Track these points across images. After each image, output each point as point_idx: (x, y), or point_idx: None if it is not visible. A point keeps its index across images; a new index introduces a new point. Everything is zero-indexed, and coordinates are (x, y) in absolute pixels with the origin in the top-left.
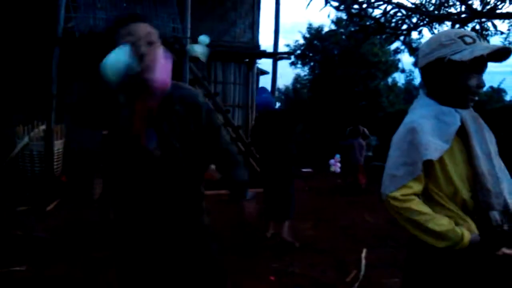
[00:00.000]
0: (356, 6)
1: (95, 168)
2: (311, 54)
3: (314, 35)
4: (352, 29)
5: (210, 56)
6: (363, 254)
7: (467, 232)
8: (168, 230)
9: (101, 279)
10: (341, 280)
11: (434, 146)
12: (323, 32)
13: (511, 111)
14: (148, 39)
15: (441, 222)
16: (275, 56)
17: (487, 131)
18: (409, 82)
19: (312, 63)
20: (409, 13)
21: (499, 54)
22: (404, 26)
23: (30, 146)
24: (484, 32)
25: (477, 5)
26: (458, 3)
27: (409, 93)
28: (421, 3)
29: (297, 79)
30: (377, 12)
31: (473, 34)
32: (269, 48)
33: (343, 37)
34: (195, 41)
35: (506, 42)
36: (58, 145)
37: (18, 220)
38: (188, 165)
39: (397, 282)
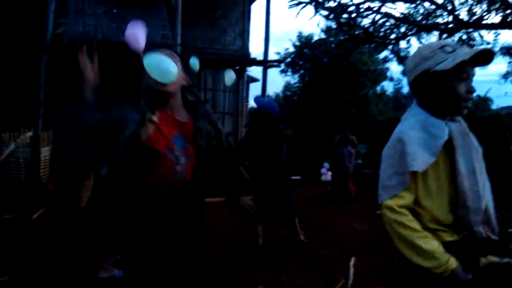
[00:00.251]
0: (345, 16)
1: (83, 175)
2: (301, 62)
3: (304, 43)
4: (342, 38)
5: (201, 63)
6: (352, 262)
7: (454, 260)
8: (179, 228)
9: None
10: None
11: (421, 158)
12: (313, 40)
13: (497, 119)
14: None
15: (431, 242)
16: (265, 64)
17: (474, 146)
18: (397, 90)
19: (302, 71)
20: (398, 22)
21: (483, 58)
22: (393, 36)
23: (16, 153)
24: (470, 42)
25: (464, 15)
26: (445, 13)
27: (397, 101)
28: (409, 13)
29: (287, 86)
30: (366, 22)
31: (453, 43)
32: (260, 56)
33: (333, 45)
34: (185, 48)
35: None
36: (44, 152)
37: (2, 228)
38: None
39: None
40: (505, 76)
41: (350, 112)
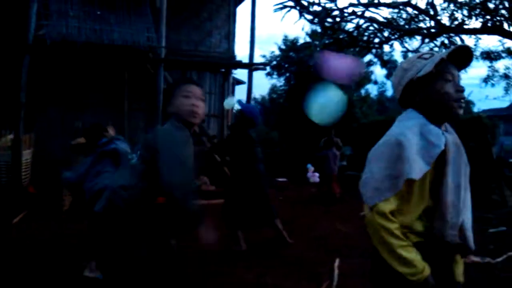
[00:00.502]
0: (329, 20)
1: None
2: (286, 65)
3: (290, 46)
4: (327, 41)
5: (186, 65)
6: (336, 264)
7: (428, 268)
8: None
9: None
10: None
11: (419, 166)
12: (298, 44)
13: (478, 122)
14: (202, 98)
15: (411, 250)
16: (251, 66)
17: (464, 161)
18: (381, 93)
19: (287, 74)
20: (381, 27)
21: (464, 59)
22: (376, 40)
23: None
24: (452, 46)
25: (445, 20)
26: (427, 18)
27: (381, 104)
28: (392, 18)
29: (273, 89)
30: (350, 26)
31: (430, 52)
32: (245, 59)
33: (318, 49)
34: (170, 50)
35: (473, 56)
36: (26, 155)
37: None
38: None
39: None
40: (486, 80)
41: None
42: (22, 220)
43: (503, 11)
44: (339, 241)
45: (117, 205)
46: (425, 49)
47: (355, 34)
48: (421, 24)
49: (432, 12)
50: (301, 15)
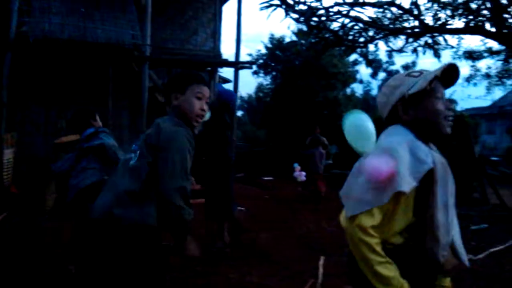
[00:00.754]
0: (315, 19)
1: (48, 178)
2: (273, 64)
3: (276, 45)
4: (313, 40)
5: (171, 64)
6: (321, 262)
7: (407, 285)
8: None
9: None
10: None
11: (408, 180)
12: (285, 42)
13: (461, 121)
14: (208, 100)
15: (390, 267)
16: (237, 65)
17: (451, 180)
18: (366, 92)
19: (274, 73)
20: (366, 26)
21: (450, 78)
22: (361, 39)
23: None
24: (435, 46)
25: (429, 20)
26: (411, 18)
27: (366, 103)
28: (377, 17)
29: (260, 88)
30: (335, 25)
31: (418, 70)
32: (232, 57)
33: (304, 48)
34: (155, 48)
35: (456, 56)
36: (8, 154)
37: None
38: None
39: None
40: (468, 79)
41: (325, 113)
42: (4, 220)
43: (485, 12)
44: (324, 239)
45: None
46: (409, 48)
47: (340, 33)
48: (405, 24)
49: (416, 12)
50: (287, 13)
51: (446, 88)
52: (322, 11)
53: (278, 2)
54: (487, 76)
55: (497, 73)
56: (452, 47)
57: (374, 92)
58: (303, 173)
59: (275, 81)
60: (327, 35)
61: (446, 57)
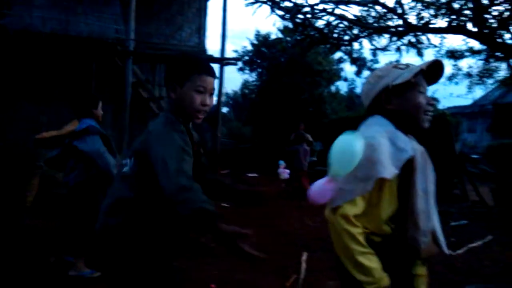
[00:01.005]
0: (300, 16)
1: (30, 171)
2: (258, 61)
3: (262, 42)
4: (298, 37)
5: (155, 59)
6: (303, 258)
7: (387, 278)
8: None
9: None
10: (281, 284)
11: (389, 167)
12: (270, 39)
13: (443, 119)
14: (213, 92)
15: (372, 259)
16: (222, 61)
17: (430, 168)
18: (351, 90)
19: (259, 70)
20: (351, 24)
21: (434, 75)
22: (346, 37)
23: None
24: (419, 45)
25: (413, 19)
26: (395, 17)
27: (351, 100)
28: (361, 16)
29: (245, 84)
30: (320, 23)
31: (405, 63)
32: (217, 53)
33: (289, 45)
34: (138, 43)
35: (439, 55)
36: None
37: None
38: None
39: (336, 284)
40: (450, 78)
41: (310, 110)
42: None
43: (467, 12)
44: (308, 235)
45: (113, 224)
46: (393, 47)
47: (325, 31)
48: (389, 23)
49: (400, 11)
50: (272, 10)
51: (430, 85)
52: (307, 9)
53: None
54: (469, 75)
55: (478, 73)
56: (435, 46)
57: (359, 90)
58: (287, 170)
59: (260, 78)
60: (312, 33)
61: (429, 56)
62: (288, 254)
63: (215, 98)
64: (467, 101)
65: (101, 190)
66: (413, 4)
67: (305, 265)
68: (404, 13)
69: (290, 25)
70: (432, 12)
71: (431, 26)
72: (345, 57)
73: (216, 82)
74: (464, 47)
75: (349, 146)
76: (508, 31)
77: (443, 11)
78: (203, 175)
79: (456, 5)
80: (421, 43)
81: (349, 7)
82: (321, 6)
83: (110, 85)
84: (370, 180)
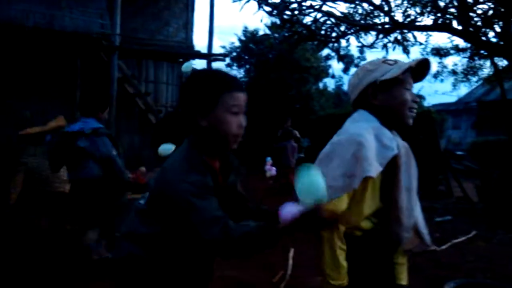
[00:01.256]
0: (288, 13)
1: (14, 168)
2: (246, 57)
3: (250, 38)
4: (286, 34)
5: (141, 54)
6: (290, 254)
7: (347, 283)
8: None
9: None
10: (268, 280)
11: (375, 165)
12: (258, 35)
13: (428, 116)
14: (245, 110)
15: (344, 257)
16: (209, 57)
17: (413, 165)
18: (338, 87)
19: (247, 66)
20: (338, 21)
21: (420, 72)
22: (333, 34)
23: None
24: (405, 42)
25: (399, 17)
26: (382, 14)
27: (338, 97)
28: (349, 13)
29: None
30: (308, 20)
31: (393, 59)
32: (205, 49)
33: (277, 41)
34: (124, 38)
35: (424, 53)
36: None
37: None
38: None
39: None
40: (436, 75)
41: (297, 107)
42: None
43: (452, 10)
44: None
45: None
46: (379, 44)
47: (313, 27)
48: (376, 20)
49: (386, 8)
50: (259, 6)
51: (415, 82)
52: (295, 5)
53: None
54: (453, 72)
55: (463, 70)
56: (421, 43)
57: (346, 87)
58: (274, 168)
59: (248, 74)
60: (300, 29)
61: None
62: (276, 250)
63: None
64: (452, 98)
65: (109, 192)
66: (399, 1)
67: (292, 261)
68: (390, 10)
69: (277, 21)
70: (418, 9)
71: (417, 23)
72: (333, 54)
73: None
74: (450, 45)
75: (313, 180)
76: (492, 30)
77: (429, 8)
78: (241, 207)
79: (441, 3)
80: (407, 40)
81: (336, 4)
82: (308, 3)
83: (96, 80)
84: (357, 178)
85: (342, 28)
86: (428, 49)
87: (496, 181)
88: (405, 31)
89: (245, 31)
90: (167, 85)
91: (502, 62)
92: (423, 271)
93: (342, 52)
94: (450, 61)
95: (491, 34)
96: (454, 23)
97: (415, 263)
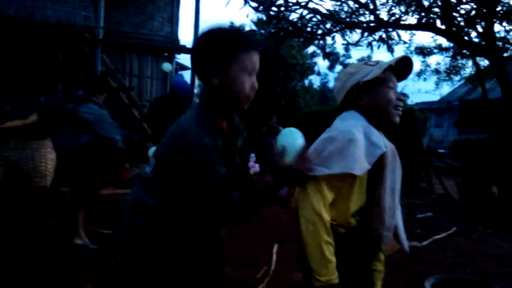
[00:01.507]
0: (274, 9)
1: None
2: None
3: None
4: (272, 30)
5: (125, 48)
6: (274, 250)
7: (337, 278)
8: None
9: None
10: (252, 276)
11: (363, 163)
12: (244, 31)
13: (411, 114)
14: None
15: (332, 251)
16: None
17: (398, 166)
18: (324, 84)
19: None
20: (324, 19)
21: (403, 71)
22: (319, 31)
23: None
24: (389, 41)
25: (384, 15)
26: (367, 12)
27: (323, 94)
28: (334, 10)
29: None
30: (294, 16)
31: (375, 60)
32: (190, 43)
33: (263, 37)
34: (108, 31)
35: (408, 51)
36: None
37: None
38: None
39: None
40: (419, 74)
41: (282, 103)
42: None
43: (436, 9)
44: (279, 227)
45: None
46: (364, 42)
47: (299, 24)
48: (361, 18)
49: (371, 7)
50: (246, 1)
51: (400, 81)
52: (281, 1)
53: None
54: (436, 71)
55: (446, 69)
56: (405, 42)
57: (331, 84)
58: (257, 164)
59: None
60: (286, 26)
61: (399, 52)
62: (260, 246)
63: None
64: (435, 97)
65: (98, 157)
66: (384, 0)
67: (276, 257)
68: (375, 8)
69: (264, 17)
70: (403, 8)
71: (401, 22)
72: (318, 51)
73: (188, 73)
74: (433, 44)
75: (294, 136)
76: (475, 30)
77: (413, 8)
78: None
79: (426, 3)
80: (392, 39)
81: (322, 1)
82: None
83: (79, 74)
84: (341, 166)
85: (328, 26)
86: (412, 48)
87: (476, 179)
88: (390, 29)
89: (231, 26)
90: (151, 80)
91: (484, 62)
92: (404, 266)
93: (327, 50)
94: (434, 60)
95: (473, 34)
96: (438, 23)
97: (396, 259)
